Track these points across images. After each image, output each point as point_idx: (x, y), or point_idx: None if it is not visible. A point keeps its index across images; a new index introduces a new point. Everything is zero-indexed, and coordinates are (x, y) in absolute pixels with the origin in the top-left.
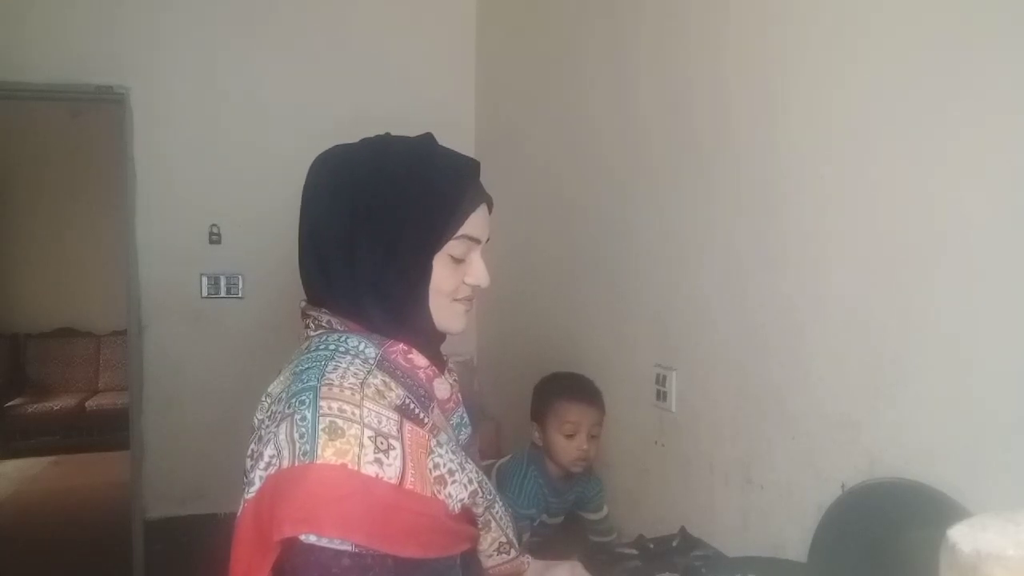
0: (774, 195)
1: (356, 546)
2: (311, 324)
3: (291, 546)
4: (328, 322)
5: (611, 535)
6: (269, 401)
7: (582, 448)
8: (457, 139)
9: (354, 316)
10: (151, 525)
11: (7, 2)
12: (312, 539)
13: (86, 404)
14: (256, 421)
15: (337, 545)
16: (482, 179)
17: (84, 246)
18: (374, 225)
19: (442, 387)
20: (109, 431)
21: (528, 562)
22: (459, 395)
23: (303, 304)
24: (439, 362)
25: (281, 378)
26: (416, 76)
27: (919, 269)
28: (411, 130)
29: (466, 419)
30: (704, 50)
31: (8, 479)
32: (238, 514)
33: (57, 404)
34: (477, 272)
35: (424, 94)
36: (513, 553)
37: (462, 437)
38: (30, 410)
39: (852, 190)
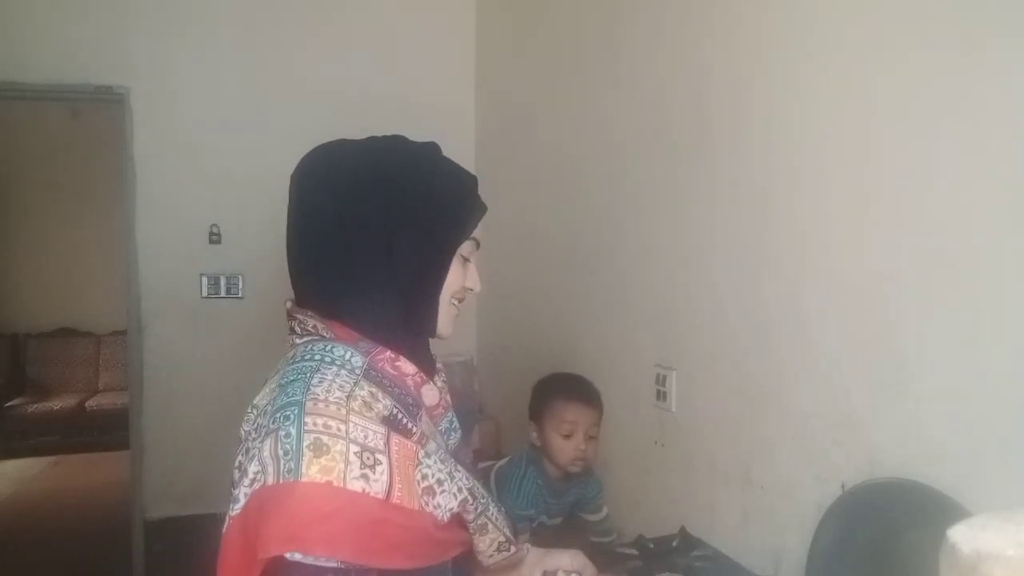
0: (775, 195)
1: (342, 563)
2: (296, 327)
3: (274, 564)
4: (314, 327)
5: (611, 536)
6: (255, 413)
7: (580, 448)
8: (458, 139)
9: (350, 318)
10: (151, 525)
11: (7, 2)
12: (297, 557)
13: (86, 404)
14: (243, 433)
15: (323, 562)
16: (482, 178)
17: (84, 246)
18: (411, 220)
19: (430, 393)
20: (109, 431)
21: (528, 548)
22: (448, 399)
23: (289, 305)
24: (427, 367)
25: (267, 389)
26: (417, 78)
27: (919, 268)
28: (412, 131)
29: (455, 424)
30: (706, 48)
31: (8, 479)
32: (223, 531)
33: (57, 404)
34: (474, 275)
35: (425, 96)
36: (513, 549)
37: (451, 442)
38: (30, 410)
39: (852, 189)
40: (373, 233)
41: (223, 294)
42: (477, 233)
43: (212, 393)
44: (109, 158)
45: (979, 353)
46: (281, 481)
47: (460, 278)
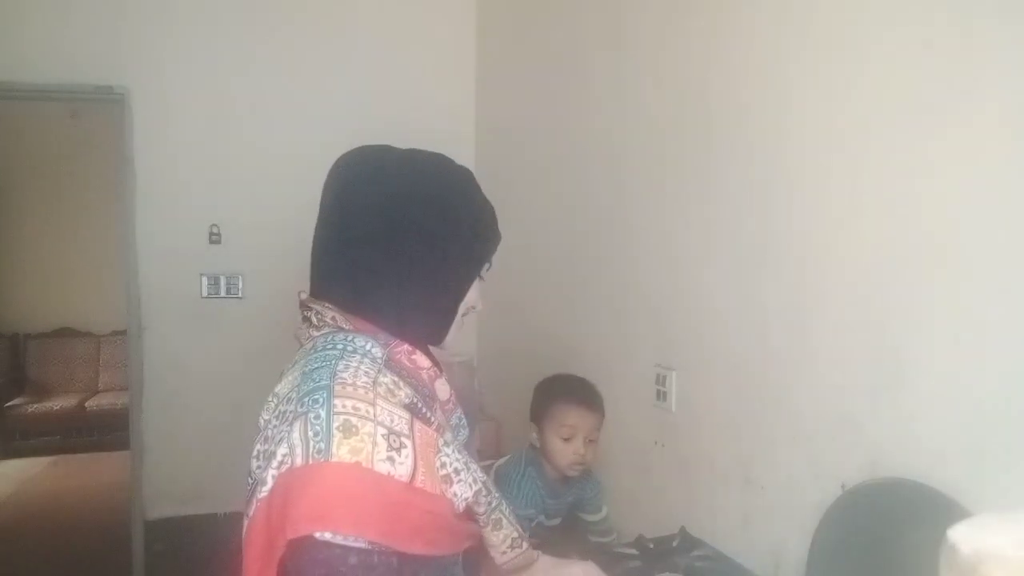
0: (774, 194)
1: (369, 543)
2: (314, 318)
3: (299, 544)
4: (333, 318)
5: (610, 536)
6: (276, 401)
7: (579, 452)
8: (458, 141)
9: (375, 313)
10: (151, 525)
11: (7, 2)
12: (327, 536)
13: (86, 404)
14: (262, 422)
15: (351, 542)
16: (482, 179)
17: (84, 246)
18: (453, 235)
19: (443, 388)
20: (109, 431)
21: (539, 554)
22: (455, 397)
23: (303, 296)
24: (437, 364)
25: (289, 378)
26: (417, 79)
27: (920, 268)
28: (412, 132)
29: (463, 421)
30: (706, 50)
31: (8, 479)
32: (250, 514)
33: (57, 404)
34: (476, 294)
35: (425, 97)
36: (525, 546)
37: (459, 439)
38: (30, 410)
39: (853, 189)
40: (415, 241)
41: (223, 294)
42: None
43: (212, 393)
44: (109, 158)
45: (979, 353)
46: (311, 462)
47: (473, 295)
